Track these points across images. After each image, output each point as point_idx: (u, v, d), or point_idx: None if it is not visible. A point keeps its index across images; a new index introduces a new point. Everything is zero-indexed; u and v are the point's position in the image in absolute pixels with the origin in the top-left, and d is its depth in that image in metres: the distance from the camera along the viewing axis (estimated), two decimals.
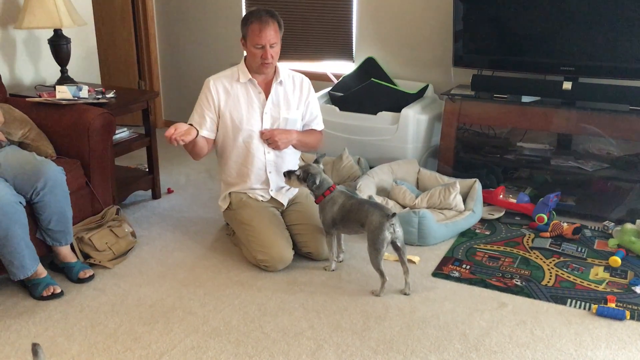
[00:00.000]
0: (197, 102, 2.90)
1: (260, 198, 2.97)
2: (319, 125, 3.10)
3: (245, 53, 2.89)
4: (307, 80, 3.02)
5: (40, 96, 3.12)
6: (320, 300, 2.57)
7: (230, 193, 2.99)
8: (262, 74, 2.88)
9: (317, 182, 2.72)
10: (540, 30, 3.45)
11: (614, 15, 3.24)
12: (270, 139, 2.88)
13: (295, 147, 3.01)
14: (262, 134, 2.89)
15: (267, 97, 2.90)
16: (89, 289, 2.67)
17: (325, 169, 3.70)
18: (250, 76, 2.86)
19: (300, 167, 2.79)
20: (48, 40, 3.48)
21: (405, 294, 2.62)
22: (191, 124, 2.76)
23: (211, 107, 2.86)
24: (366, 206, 2.62)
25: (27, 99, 3.10)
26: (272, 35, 2.74)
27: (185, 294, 2.63)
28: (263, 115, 2.89)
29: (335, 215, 2.71)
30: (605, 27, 3.28)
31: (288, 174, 2.80)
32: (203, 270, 2.84)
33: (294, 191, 3.06)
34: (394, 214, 2.51)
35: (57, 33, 3.46)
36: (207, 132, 2.87)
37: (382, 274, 2.58)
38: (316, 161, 2.81)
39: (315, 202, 2.79)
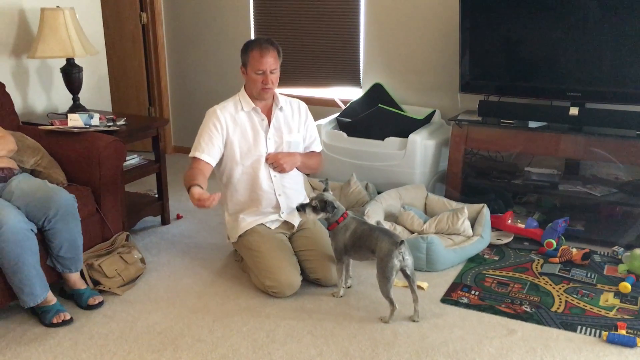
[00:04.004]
0: (201, 130, 2.90)
1: (271, 225, 2.98)
2: (318, 147, 3.16)
3: (244, 82, 2.96)
4: (303, 104, 3.11)
5: (52, 124, 3.17)
6: (328, 327, 2.57)
7: (239, 217, 3.00)
8: (263, 100, 2.94)
9: (334, 209, 2.73)
10: (547, 56, 3.48)
11: (620, 40, 3.26)
12: (276, 162, 2.92)
13: (299, 169, 3.05)
14: (266, 158, 2.93)
15: (269, 123, 2.95)
16: (98, 315, 2.68)
17: (333, 195, 3.74)
18: (253, 105, 2.92)
19: (313, 198, 2.77)
20: (60, 68, 3.55)
21: (414, 321, 2.61)
22: (195, 184, 2.65)
23: (220, 135, 2.89)
24: (376, 233, 2.62)
25: (39, 127, 3.14)
26: (271, 62, 2.83)
27: (194, 321, 2.63)
28: (267, 141, 2.93)
29: (346, 242, 2.71)
30: (612, 53, 3.31)
31: (302, 208, 2.76)
32: (212, 296, 2.85)
33: None
34: (402, 242, 2.51)
35: (70, 62, 3.53)
36: (211, 158, 2.87)
37: (391, 302, 2.57)
38: (325, 189, 2.83)
39: (328, 228, 2.80)
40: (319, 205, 2.73)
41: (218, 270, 3.13)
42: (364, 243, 2.65)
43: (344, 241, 2.72)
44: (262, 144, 2.93)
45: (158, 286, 2.95)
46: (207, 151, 2.86)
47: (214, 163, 2.89)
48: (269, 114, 2.97)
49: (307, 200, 2.81)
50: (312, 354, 2.38)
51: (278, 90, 3.00)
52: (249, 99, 2.93)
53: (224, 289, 2.92)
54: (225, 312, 2.71)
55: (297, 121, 3.04)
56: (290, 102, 3.06)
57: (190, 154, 2.88)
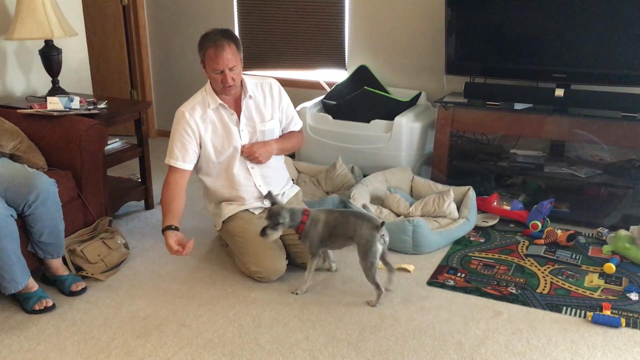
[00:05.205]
0: (173, 136, 2.81)
1: (255, 211, 2.95)
2: (297, 126, 3.06)
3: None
4: (275, 84, 2.96)
5: (31, 107, 3.11)
6: (315, 311, 2.56)
7: (222, 205, 2.97)
8: (229, 96, 2.84)
9: (287, 215, 2.56)
10: (532, 38, 3.46)
11: (606, 22, 3.25)
12: (251, 155, 2.85)
13: (277, 154, 2.99)
14: (241, 151, 2.86)
15: (239, 114, 2.86)
16: (81, 302, 2.65)
17: (319, 178, 3.72)
18: (219, 101, 2.81)
19: (267, 218, 2.60)
20: (39, 51, 3.46)
21: (388, 290, 2.62)
22: (170, 226, 2.62)
23: (192, 139, 2.79)
24: (351, 218, 2.57)
25: (18, 111, 3.08)
26: (229, 59, 2.66)
27: (179, 306, 2.61)
28: (240, 133, 2.85)
29: (321, 235, 2.62)
30: (597, 34, 3.30)
31: (263, 234, 2.58)
32: (197, 281, 2.82)
33: (288, 195, 3.05)
34: (382, 223, 2.48)
35: (48, 44, 3.45)
36: (187, 164, 2.80)
37: (377, 286, 2.56)
38: (273, 203, 2.66)
39: (297, 232, 2.65)
40: (272, 223, 2.56)
41: (203, 255, 3.10)
42: (340, 231, 2.59)
43: (318, 235, 2.61)
44: (235, 138, 2.84)
45: (142, 272, 2.92)
46: (182, 157, 2.78)
47: (191, 167, 2.83)
48: (238, 105, 2.86)
49: (277, 206, 2.63)
50: (298, 338, 2.37)
51: (258, 73, 2.91)
52: (214, 94, 2.81)
53: (209, 274, 2.89)
54: (211, 297, 2.69)
55: (270, 105, 2.92)
56: (260, 86, 2.91)
57: (166, 161, 2.81)
